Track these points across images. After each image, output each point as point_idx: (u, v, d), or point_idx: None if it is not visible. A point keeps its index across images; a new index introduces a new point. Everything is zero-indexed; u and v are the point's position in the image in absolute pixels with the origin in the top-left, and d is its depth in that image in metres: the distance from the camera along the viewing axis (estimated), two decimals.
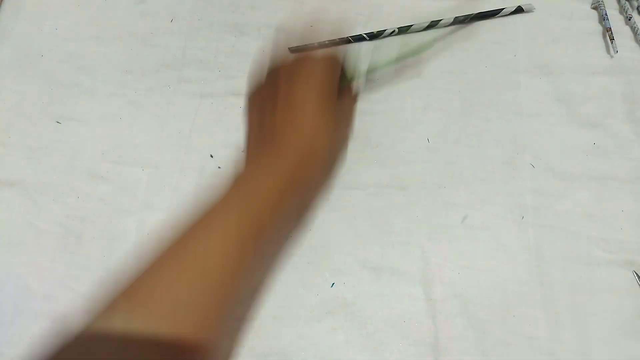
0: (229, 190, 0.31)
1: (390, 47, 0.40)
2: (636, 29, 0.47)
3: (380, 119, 0.44)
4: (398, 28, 0.47)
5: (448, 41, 0.47)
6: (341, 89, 0.37)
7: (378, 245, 0.40)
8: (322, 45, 0.46)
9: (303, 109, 0.33)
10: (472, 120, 0.44)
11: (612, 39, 0.46)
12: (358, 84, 0.40)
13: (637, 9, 0.48)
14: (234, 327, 0.37)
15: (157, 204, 0.41)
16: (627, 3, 0.48)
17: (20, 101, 0.44)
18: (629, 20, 0.47)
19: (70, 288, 0.38)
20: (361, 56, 0.40)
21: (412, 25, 0.47)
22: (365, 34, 0.47)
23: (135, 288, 0.27)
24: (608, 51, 0.47)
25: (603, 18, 0.47)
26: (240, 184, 0.31)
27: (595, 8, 0.49)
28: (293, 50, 0.46)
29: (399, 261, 0.39)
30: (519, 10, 0.48)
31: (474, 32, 0.48)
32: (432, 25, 0.47)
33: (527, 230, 0.40)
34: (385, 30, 0.47)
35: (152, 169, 0.42)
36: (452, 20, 0.47)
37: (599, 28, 0.48)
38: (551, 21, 0.48)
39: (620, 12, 0.48)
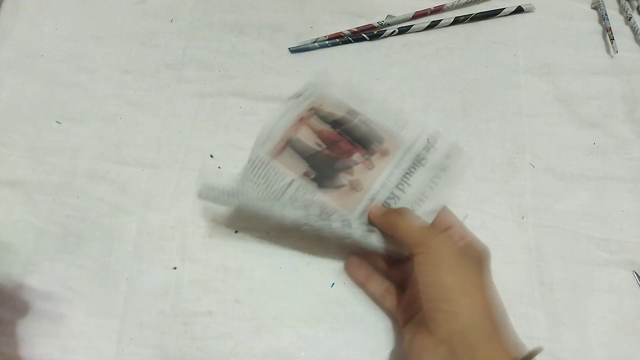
0: None
1: None
2: (636, 29, 0.47)
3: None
4: (398, 28, 0.47)
5: (448, 41, 0.47)
6: None
7: None
8: (322, 44, 0.46)
9: None
10: (472, 120, 0.44)
11: (612, 39, 0.46)
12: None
13: (637, 9, 0.49)
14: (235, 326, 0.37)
15: (157, 204, 0.41)
16: (627, 3, 0.48)
17: (20, 101, 0.44)
18: (629, 20, 0.47)
19: (70, 288, 0.38)
20: None
21: (412, 25, 0.47)
22: (365, 34, 0.47)
23: None
24: (608, 51, 0.47)
25: (603, 18, 0.47)
26: None
27: (595, 8, 0.49)
28: (294, 50, 0.46)
29: None
30: (519, 10, 0.48)
31: (474, 32, 0.48)
32: (432, 25, 0.47)
33: (527, 230, 0.40)
34: (385, 30, 0.47)
35: (152, 169, 0.42)
36: (452, 20, 0.47)
37: (599, 28, 0.48)
38: (551, 21, 0.48)
39: (620, 12, 0.48)
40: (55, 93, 0.45)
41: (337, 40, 0.47)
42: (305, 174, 0.36)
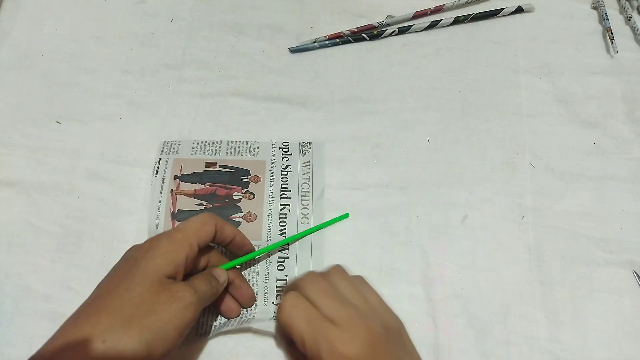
0: None
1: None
2: (636, 29, 0.47)
3: (380, 119, 0.44)
4: (398, 28, 0.47)
5: (448, 41, 0.47)
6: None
7: (378, 245, 0.40)
8: (322, 44, 0.46)
9: None
10: (472, 120, 0.44)
11: (612, 39, 0.46)
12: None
13: (637, 9, 0.49)
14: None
15: None
16: (627, 3, 0.48)
17: (20, 101, 0.44)
18: (629, 20, 0.47)
19: (70, 288, 0.38)
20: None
21: (412, 25, 0.47)
22: (365, 34, 0.47)
23: None
24: (608, 51, 0.47)
25: (603, 18, 0.47)
26: None
27: (595, 8, 0.49)
28: (294, 50, 0.46)
29: (399, 261, 0.39)
30: (519, 10, 0.48)
31: (474, 32, 0.48)
32: (432, 25, 0.47)
33: (527, 230, 0.40)
34: (385, 30, 0.47)
35: (152, 169, 0.42)
36: (452, 20, 0.47)
37: (599, 28, 0.48)
38: (551, 21, 0.48)
39: (620, 12, 0.49)
40: (55, 93, 0.45)
41: (337, 40, 0.47)
42: None
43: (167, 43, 0.47)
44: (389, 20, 0.48)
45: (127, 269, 0.30)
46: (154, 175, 0.41)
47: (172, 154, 0.42)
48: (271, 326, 0.35)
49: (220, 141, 0.42)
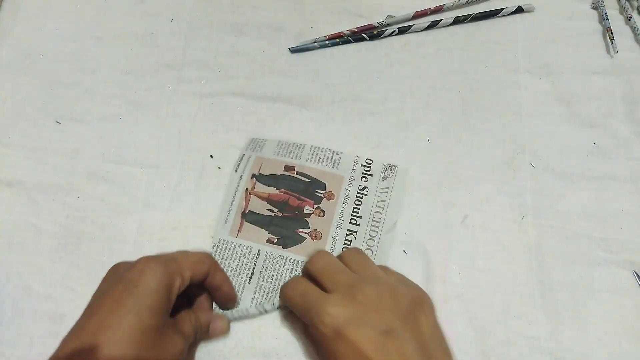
0: None
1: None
2: (636, 29, 0.47)
3: (380, 119, 0.44)
4: (398, 28, 0.47)
5: (448, 41, 0.47)
6: None
7: None
8: (322, 44, 0.46)
9: None
10: (472, 120, 0.44)
11: (612, 39, 0.46)
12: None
13: (637, 9, 0.49)
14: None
15: (157, 204, 0.41)
16: (627, 3, 0.48)
17: (20, 101, 0.44)
18: (629, 20, 0.47)
19: (70, 288, 0.38)
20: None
21: (412, 25, 0.47)
22: (365, 34, 0.47)
23: None
24: (608, 51, 0.47)
25: (603, 18, 0.47)
26: None
27: (595, 8, 0.49)
28: (294, 50, 0.46)
29: (399, 261, 0.39)
30: (519, 10, 0.48)
31: (474, 32, 0.48)
32: (432, 25, 0.47)
33: (527, 230, 0.40)
34: (385, 30, 0.47)
35: (152, 169, 0.42)
36: (452, 20, 0.47)
37: (599, 28, 0.48)
38: (551, 21, 0.48)
39: (620, 12, 0.49)
40: (55, 93, 0.45)
41: (337, 40, 0.47)
42: (269, 241, 0.38)
43: (167, 43, 0.47)
44: (389, 20, 0.48)
45: (121, 292, 0.28)
46: (234, 170, 0.41)
47: (256, 151, 0.41)
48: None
49: (304, 145, 0.41)
